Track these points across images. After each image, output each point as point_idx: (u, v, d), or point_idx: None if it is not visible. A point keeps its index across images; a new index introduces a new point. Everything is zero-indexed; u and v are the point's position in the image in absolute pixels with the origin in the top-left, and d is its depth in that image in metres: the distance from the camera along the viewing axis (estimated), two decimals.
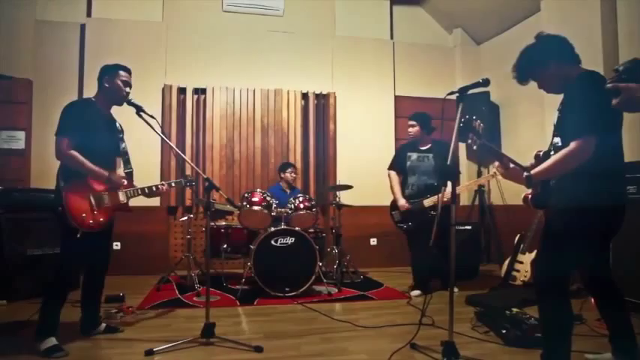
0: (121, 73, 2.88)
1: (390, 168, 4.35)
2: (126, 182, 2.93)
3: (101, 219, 2.75)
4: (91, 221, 2.68)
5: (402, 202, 4.13)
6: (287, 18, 6.03)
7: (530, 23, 5.42)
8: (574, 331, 2.10)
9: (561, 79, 2.12)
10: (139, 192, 2.98)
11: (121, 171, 2.98)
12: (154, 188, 3.04)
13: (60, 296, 2.68)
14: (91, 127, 2.76)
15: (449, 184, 4.06)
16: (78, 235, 2.60)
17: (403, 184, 4.24)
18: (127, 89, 2.89)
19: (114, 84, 2.85)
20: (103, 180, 2.77)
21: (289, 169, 5.10)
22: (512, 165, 2.21)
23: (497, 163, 2.28)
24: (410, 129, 4.19)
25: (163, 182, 3.16)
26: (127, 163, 3.01)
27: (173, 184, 3.24)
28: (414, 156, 4.19)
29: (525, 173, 2.09)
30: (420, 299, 3.92)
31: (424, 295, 3.97)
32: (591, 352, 2.43)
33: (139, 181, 3.09)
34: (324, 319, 3.36)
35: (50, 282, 2.71)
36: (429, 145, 4.18)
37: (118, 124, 3.03)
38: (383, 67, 6.23)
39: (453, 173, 2.59)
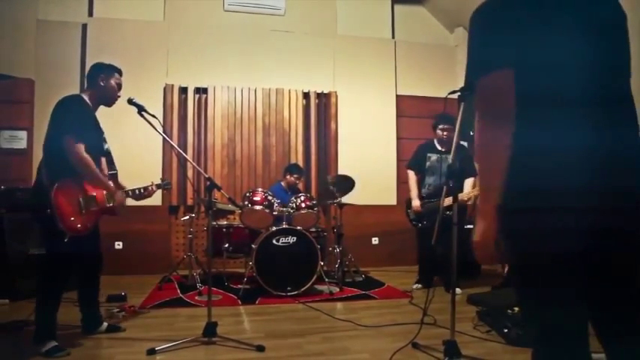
0: (116, 75, 2.87)
1: (409, 167, 4.44)
2: (112, 185, 2.88)
3: (88, 223, 2.67)
4: (79, 225, 2.59)
5: (416, 203, 4.27)
6: (288, 17, 6.02)
7: None
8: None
9: None
10: (126, 195, 2.94)
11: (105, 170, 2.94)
12: (140, 190, 2.99)
13: (51, 300, 2.61)
14: (88, 126, 2.73)
15: (466, 183, 4.13)
16: (65, 240, 2.51)
17: (420, 184, 4.34)
18: (119, 92, 2.89)
19: (109, 84, 2.83)
20: (108, 194, 2.72)
21: (295, 175, 5.04)
22: None
23: None
24: (445, 132, 4.19)
25: (152, 183, 3.09)
26: (111, 164, 2.97)
27: (155, 187, 3.11)
28: (433, 157, 4.28)
29: None
30: (421, 298, 3.92)
31: (426, 289, 4.09)
32: (595, 352, 2.42)
33: (140, 181, 3.09)
34: (325, 319, 3.36)
35: (40, 286, 2.64)
36: (449, 147, 4.17)
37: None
38: (384, 67, 6.22)
39: (457, 172, 2.59)
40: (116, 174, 2.96)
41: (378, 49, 6.20)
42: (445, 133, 4.18)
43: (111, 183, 2.84)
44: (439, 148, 4.25)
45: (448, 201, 3.89)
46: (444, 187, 3.41)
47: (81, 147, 2.60)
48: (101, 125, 2.95)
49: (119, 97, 2.88)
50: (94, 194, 2.72)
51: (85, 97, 2.82)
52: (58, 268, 2.63)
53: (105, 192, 2.78)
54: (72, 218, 2.56)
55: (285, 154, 5.79)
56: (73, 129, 2.61)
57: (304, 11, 6.07)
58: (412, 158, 4.45)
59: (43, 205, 2.49)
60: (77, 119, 2.65)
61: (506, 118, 1.14)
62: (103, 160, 2.95)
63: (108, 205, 2.80)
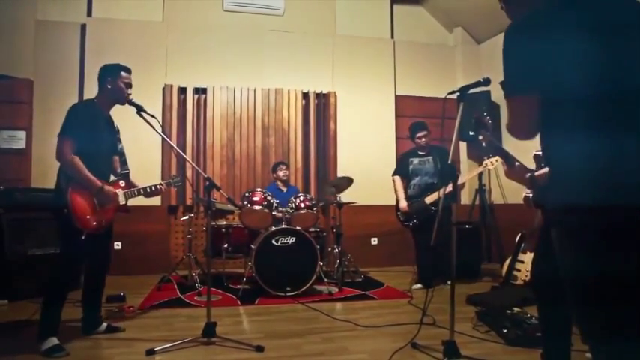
0: (123, 74, 2.89)
1: (395, 174, 4.69)
2: (124, 184, 2.97)
3: (103, 220, 2.77)
4: (94, 223, 2.70)
5: (403, 204, 4.49)
6: (287, 17, 6.02)
7: None
8: (574, 329, 2.10)
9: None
10: (137, 193, 3.01)
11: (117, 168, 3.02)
12: (151, 189, 3.06)
13: (60, 297, 2.68)
14: (94, 130, 2.78)
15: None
16: (83, 237, 2.61)
17: (407, 187, 4.58)
18: (129, 90, 2.91)
19: (116, 85, 2.86)
20: (93, 192, 2.71)
21: (279, 167, 5.15)
22: (517, 164, 2.20)
23: (499, 160, 2.27)
24: (424, 138, 4.48)
25: (162, 182, 3.16)
26: (124, 164, 3.04)
27: (165, 185, 3.17)
28: (415, 160, 4.56)
29: (528, 174, 2.10)
30: (421, 299, 3.92)
31: (425, 289, 4.10)
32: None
33: (139, 181, 3.10)
34: (325, 319, 3.36)
35: (50, 283, 2.71)
36: (428, 150, 4.53)
37: (115, 124, 3.05)
38: (383, 67, 6.22)
39: (453, 172, 2.61)
40: (128, 174, 3.03)
41: (377, 49, 6.21)
42: (424, 139, 4.47)
43: (101, 185, 2.81)
44: (420, 153, 4.56)
45: (433, 197, 4.28)
46: (444, 187, 3.46)
47: (66, 145, 2.64)
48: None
49: (130, 94, 2.91)
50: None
51: (96, 101, 2.91)
52: (72, 267, 2.77)
53: (116, 190, 2.88)
54: (87, 217, 2.67)
55: (284, 154, 5.79)
56: (64, 131, 2.69)
57: (303, 11, 6.07)
58: (396, 167, 4.74)
59: (61, 206, 2.61)
60: (72, 122, 2.71)
61: (526, 133, 1.36)
62: (116, 159, 3.04)
63: (121, 204, 2.90)
